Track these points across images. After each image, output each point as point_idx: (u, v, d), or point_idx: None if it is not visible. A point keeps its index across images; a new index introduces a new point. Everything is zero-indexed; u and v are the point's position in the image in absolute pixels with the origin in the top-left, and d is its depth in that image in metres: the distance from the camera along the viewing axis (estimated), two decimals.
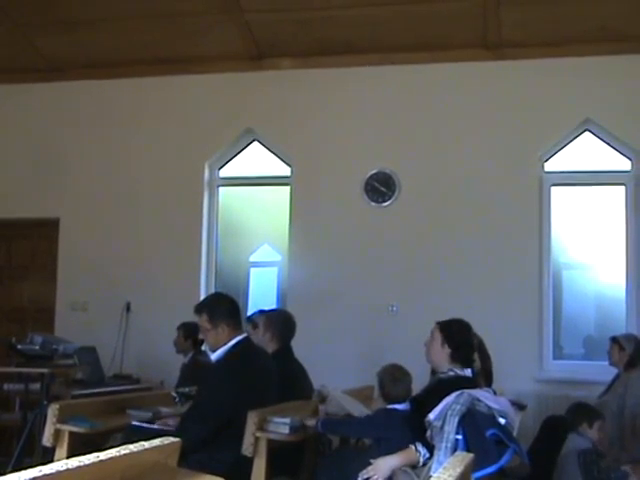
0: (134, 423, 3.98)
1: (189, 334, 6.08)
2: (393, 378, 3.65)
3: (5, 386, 5.84)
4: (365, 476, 3.34)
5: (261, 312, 5.12)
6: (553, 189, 6.42)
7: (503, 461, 3.12)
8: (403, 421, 3.54)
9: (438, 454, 3.14)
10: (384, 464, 3.36)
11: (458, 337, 3.79)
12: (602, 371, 5.55)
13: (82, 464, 1.51)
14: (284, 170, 6.94)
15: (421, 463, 3.35)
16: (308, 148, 6.77)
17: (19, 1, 6.50)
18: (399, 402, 3.62)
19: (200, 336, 5.18)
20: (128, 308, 6.89)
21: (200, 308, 4.00)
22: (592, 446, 4.32)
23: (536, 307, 6.21)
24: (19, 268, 7.44)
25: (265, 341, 4.61)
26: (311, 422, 3.72)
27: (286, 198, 6.86)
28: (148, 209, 7.02)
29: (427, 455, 3.33)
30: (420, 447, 3.36)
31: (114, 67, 7.06)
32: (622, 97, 6.19)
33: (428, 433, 3.28)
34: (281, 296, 6.93)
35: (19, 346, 5.34)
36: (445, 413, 3.20)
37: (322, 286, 6.51)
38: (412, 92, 6.61)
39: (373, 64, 6.62)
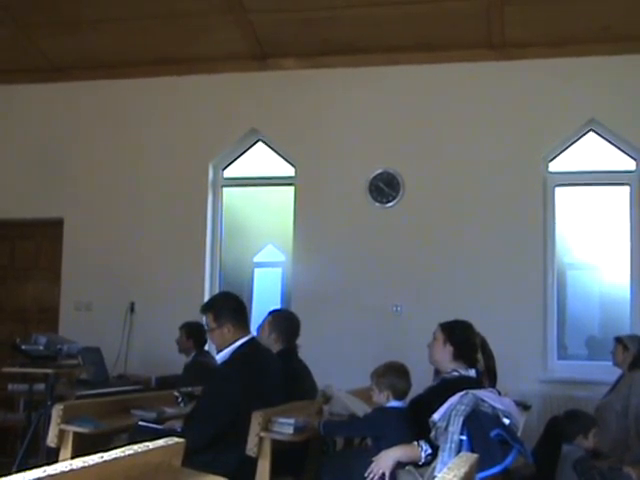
0: (140, 423, 3.97)
1: (191, 333, 6.09)
2: (398, 374, 3.66)
3: (9, 386, 5.85)
4: (370, 475, 3.35)
5: None
6: (557, 189, 6.41)
7: (507, 461, 3.12)
8: (400, 419, 3.55)
9: (442, 454, 3.14)
10: (386, 457, 3.37)
11: (459, 335, 3.80)
12: (606, 371, 5.55)
13: (86, 464, 1.51)
14: (288, 170, 6.94)
15: (423, 459, 3.35)
16: (312, 148, 6.77)
17: (23, 2, 6.50)
18: (405, 396, 3.63)
19: (206, 336, 5.14)
20: (132, 308, 6.90)
21: (206, 307, 3.99)
22: (585, 452, 4.32)
23: (540, 307, 6.20)
24: (23, 268, 7.45)
25: (270, 341, 4.61)
26: (314, 425, 3.72)
27: (290, 198, 6.86)
28: (152, 209, 7.02)
29: (429, 451, 3.33)
30: (422, 443, 3.36)
31: (118, 68, 7.06)
32: (626, 97, 6.19)
33: (432, 433, 3.28)
34: (285, 296, 6.93)
35: (23, 346, 5.34)
36: (449, 413, 3.20)
37: (326, 286, 6.51)
38: (416, 92, 6.61)
39: (377, 64, 6.62)
